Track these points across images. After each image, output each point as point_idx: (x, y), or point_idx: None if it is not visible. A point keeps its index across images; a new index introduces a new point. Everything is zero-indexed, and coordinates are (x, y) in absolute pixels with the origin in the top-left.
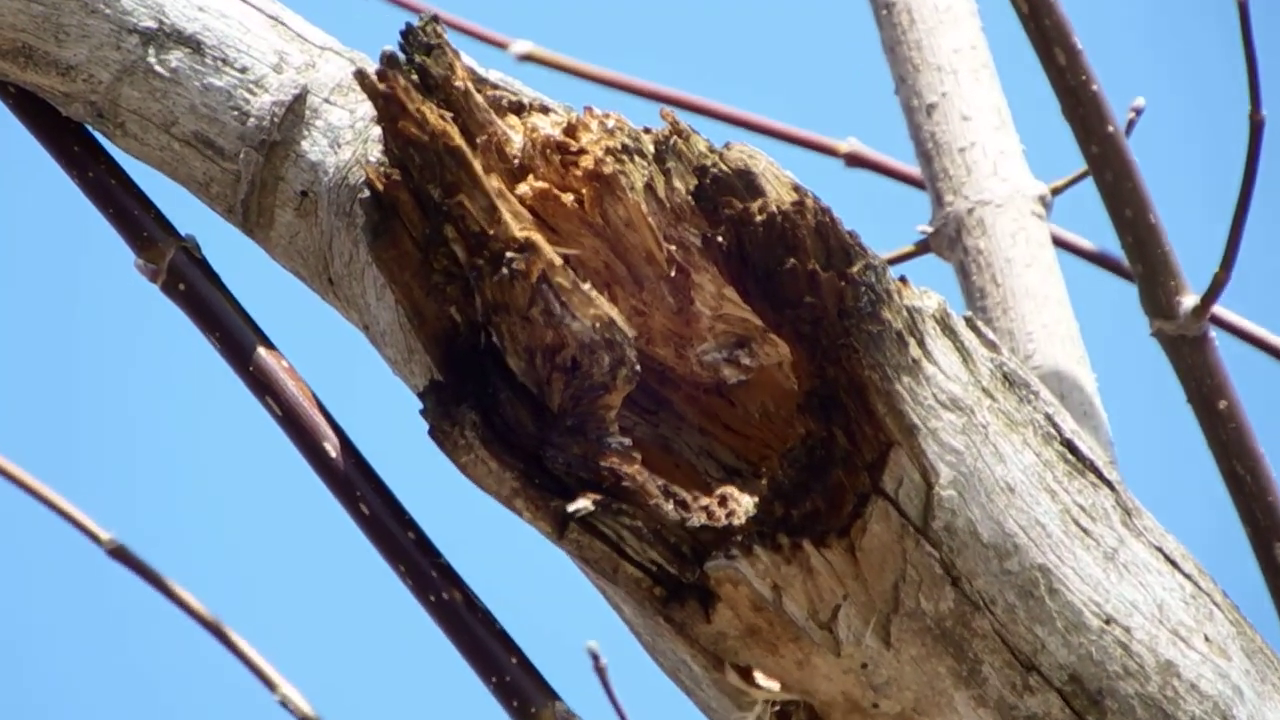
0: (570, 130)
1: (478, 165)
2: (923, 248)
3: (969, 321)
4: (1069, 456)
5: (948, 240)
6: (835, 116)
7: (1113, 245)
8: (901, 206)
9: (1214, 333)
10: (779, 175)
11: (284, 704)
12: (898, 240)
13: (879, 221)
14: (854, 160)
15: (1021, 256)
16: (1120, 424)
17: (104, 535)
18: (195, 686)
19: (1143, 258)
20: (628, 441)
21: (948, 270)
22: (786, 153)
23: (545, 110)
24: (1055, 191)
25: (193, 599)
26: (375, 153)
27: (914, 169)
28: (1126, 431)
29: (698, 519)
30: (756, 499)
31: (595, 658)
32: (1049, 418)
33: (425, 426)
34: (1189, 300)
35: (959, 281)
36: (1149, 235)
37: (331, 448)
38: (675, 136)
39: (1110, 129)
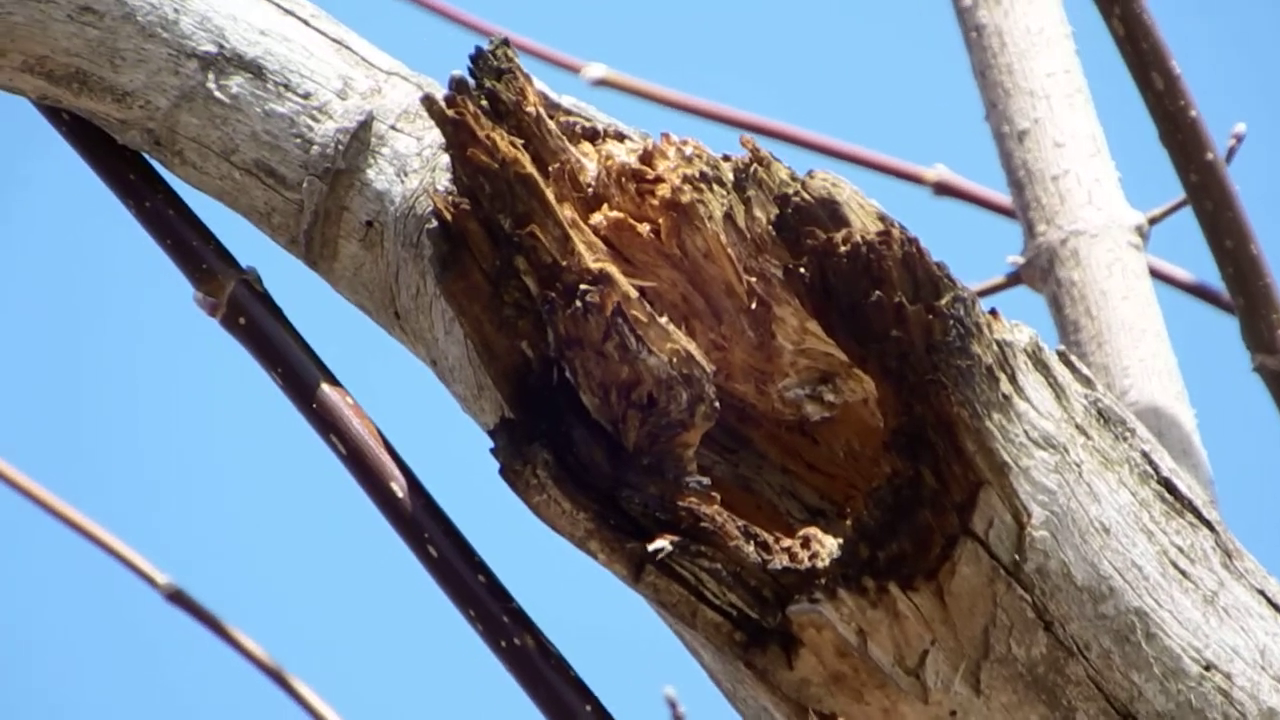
0: (646, 158)
1: (550, 194)
2: (1014, 279)
3: (1062, 356)
4: (1166, 496)
5: (1040, 271)
6: (923, 143)
7: (1212, 277)
8: (992, 236)
9: None
10: (864, 204)
11: None
12: (988, 272)
13: (968, 252)
14: (942, 189)
15: (1117, 288)
16: (1220, 463)
17: (161, 579)
18: None
19: (1244, 290)
20: (706, 481)
21: (1040, 303)
22: (872, 181)
23: (620, 137)
24: (1153, 221)
25: (253, 644)
26: (443, 181)
27: (1005, 198)
28: (1227, 470)
29: (779, 561)
30: (841, 540)
31: (673, 706)
32: (1146, 455)
33: (496, 466)
34: None
35: (1052, 314)
36: (1250, 266)
37: (399, 488)
38: (756, 164)
39: (1210, 156)
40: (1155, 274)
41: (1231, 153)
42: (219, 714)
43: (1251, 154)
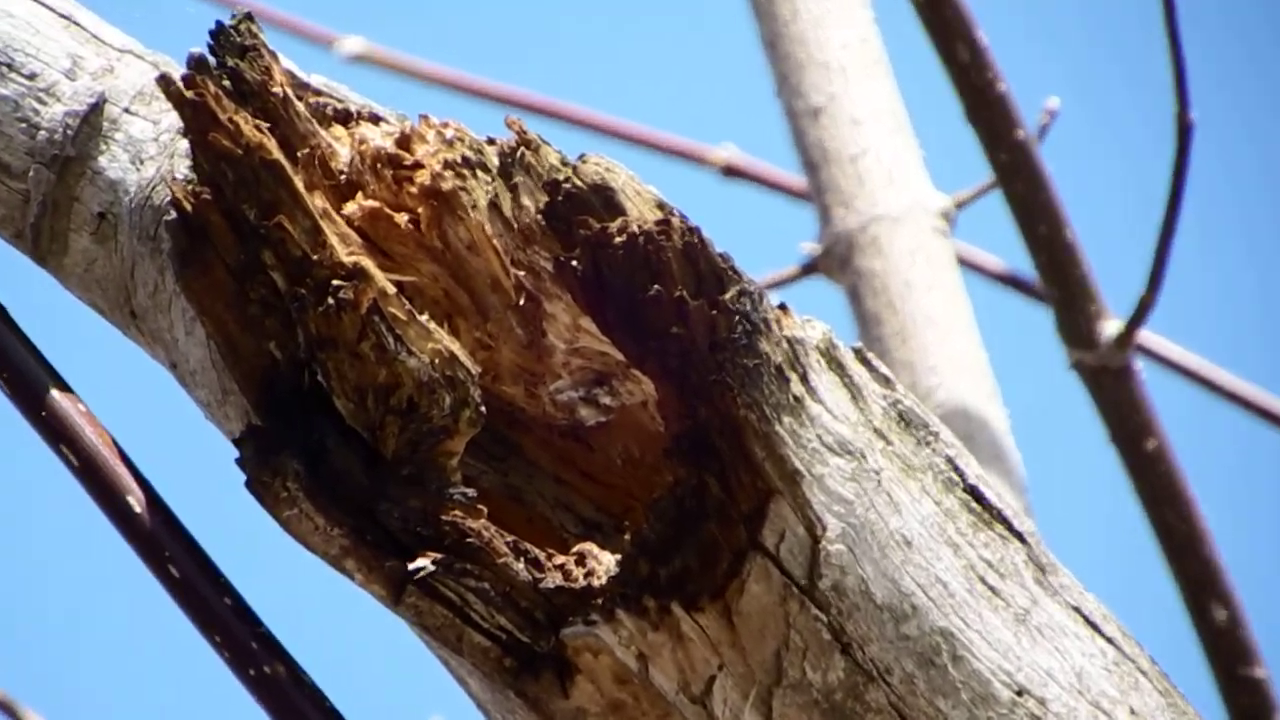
0: (404, 141)
1: (299, 182)
2: (809, 269)
3: (858, 354)
4: (974, 505)
5: (838, 261)
6: (709, 121)
7: (1025, 265)
8: (785, 223)
9: (1140, 363)
10: (641, 191)
11: None
12: (781, 261)
13: (759, 240)
14: (730, 171)
15: (922, 279)
16: (1035, 467)
17: None
18: None
19: (1059, 280)
20: (473, 493)
21: (838, 295)
22: (653, 164)
23: (375, 119)
24: (959, 205)
25: None
26: (183, 169)
27: (799, 180)
28: (1041, 475)
29: (552, 580)
30: (619, 557)
31: None
32: (951, 461)
33: (242, 478)
34: (1111, 327)
35: (851, 307)
36: (1065, 254)
37: (136, 502)
38: (523, 147)
39: (1020, 134)
40: (963, 262)
41: (1044, 130)
42: None
43: (1065, 132)
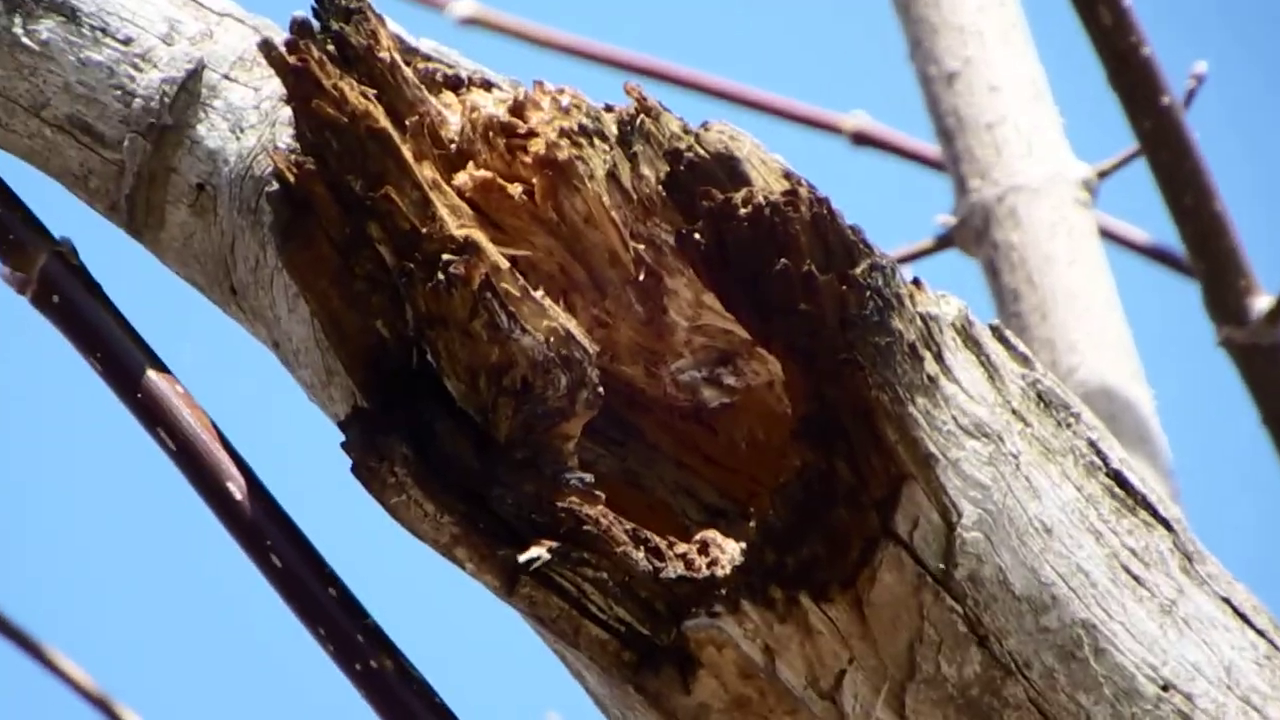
0: (517, 109)
1: (407, 151)
2: (943, 243)
3: (995, 331)
4: (1117, 490)
5: (973, 234)
6: (839, 88)
7: (1170, 238)
8: (918, 194)
9: None
10: (767, 160)
11: None
12: (914, 234)
13: (891, 212)
14: (861, 139)
15: (1062, 252)
16: (1182, 450)
17: None
18: None
19: (1205, 253)
20: (590, 478)
21: (973, 269)
22: (781, 132)
23: (487, 85)
24: (1101, 175)
25: (75, 668)
26: (285, 138)
27: (933, 149)
28: (1189, 459)
29: (674, 569)
30: (744, 545)
31: None
32: (1093, 444)
33: (348, 462)
34: (1262, 302)
35: (987, 282)
36: (1212, 226)
37: (236, 488)
38: (643, 115)
39: (1165, 101)
40: (1105, 235)
41: (1190, 96)
42: None
43: (1212, 98)
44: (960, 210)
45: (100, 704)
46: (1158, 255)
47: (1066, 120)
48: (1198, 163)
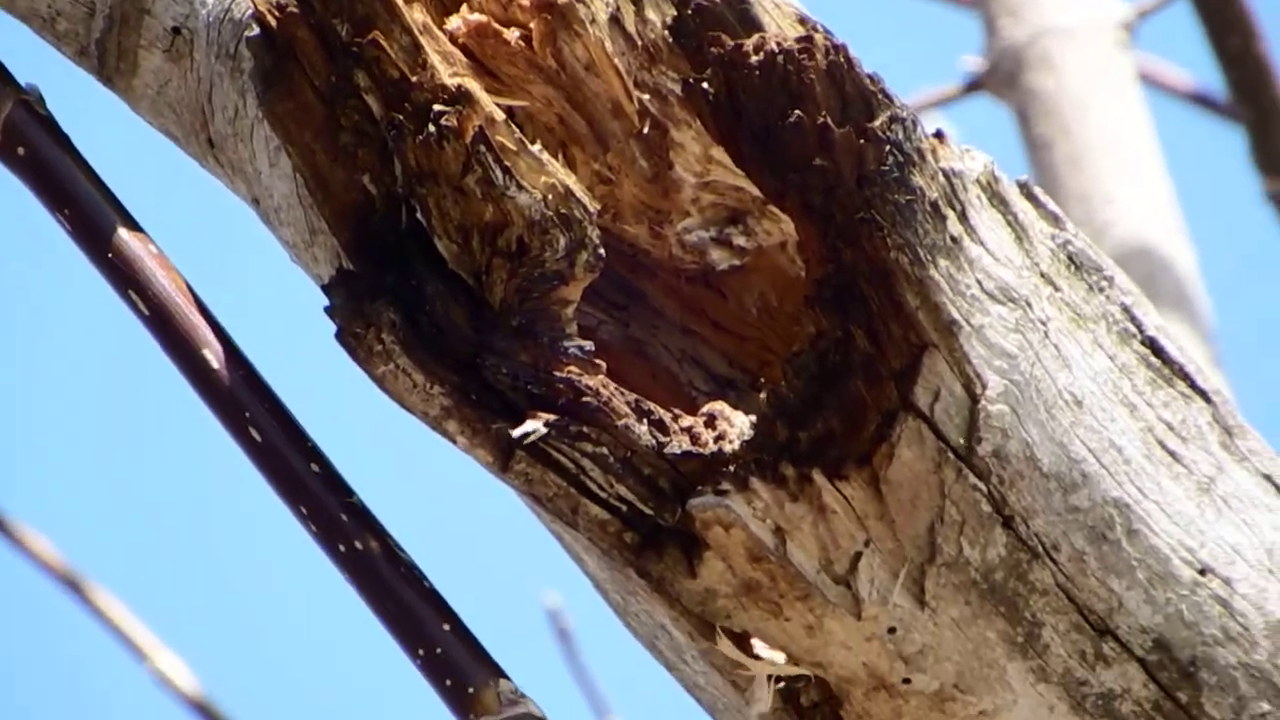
0: None
1: None
2: (971, 87)
3: (1024, 188)
4: (1153, 359)
5: (1004, 78)
6: None
7: (1215, 82)
8: (944, 34)
9: None
10: (780, 3)
11: (159, 678)
12: (939, 77)
13: (914, 54)
14: None
15: (1099, 99)
16: (1225, 312)
17: None
18: (45, 654)
19: (1252, 99)
20: (590, 345)
21: (1003, 116)
22: None
23: None
24: (1142, 14)
25: (43, 545)
26: None
27: None
28: (1233, 322)
29: (679, 444)
30: (754, 418)
31: (556, 618)
32: (1127, 309)
33: (332, 328)
34: None
35: (1019, 130)
36: (1259, 70)
37: (213, 356)
38: None
39: None
40: (1145, 79)
41: None
42: (3, 627)
43: None
44: (989, 52)
45: (69, 582)
46: (1201, 101)
47: None
48: (1244, 3)
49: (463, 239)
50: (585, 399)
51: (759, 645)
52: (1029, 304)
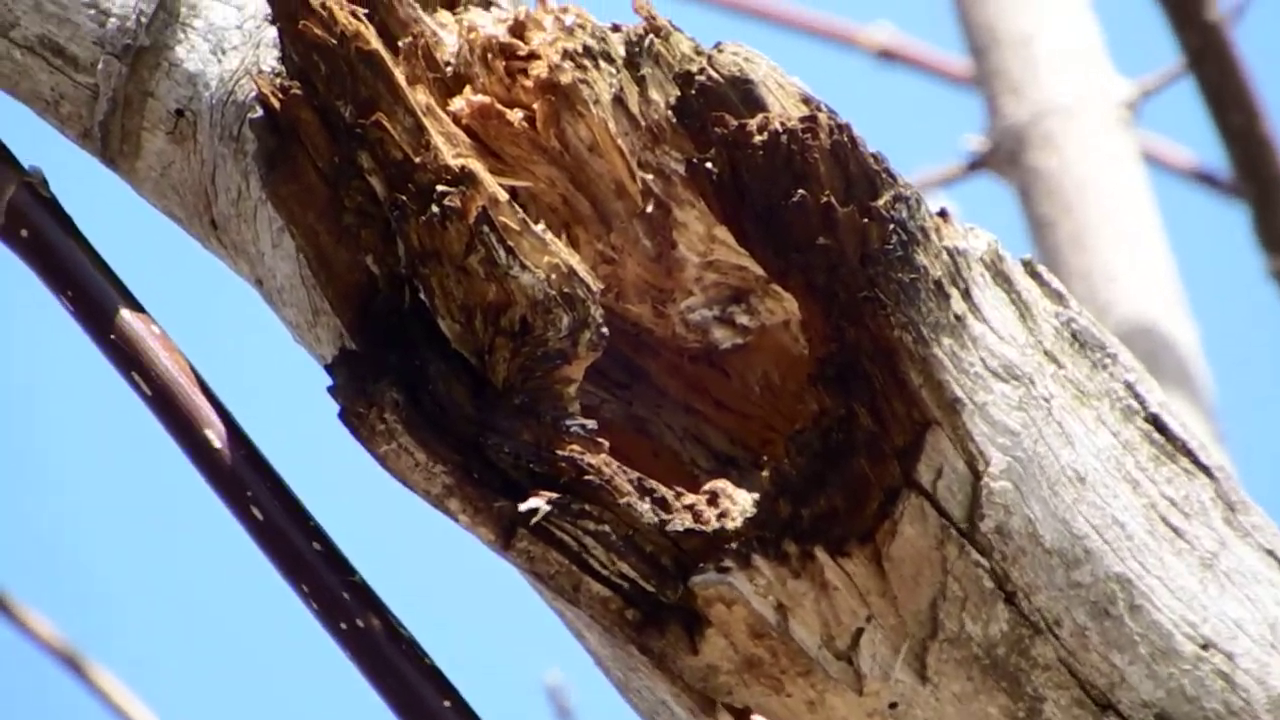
0: (518, 29)
1: (400, 75)
2: (974, 166)
3: (1028, 266)
4: (1156, 436)
5: (1006, 157)
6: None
7: (1218, 160)
8: (947, 114)
9: None
10: (784, 83)
11: None
12: (942, 157)
13: (918, 134)
14: (886, 55)
15: (1101, 177)
16: (1227, 390)
17: None
18: None
19: (1254, 176)
20: (592, 424)
21: (1006, 195)
22: (800, 48)
23: (487, 3)
24: (1145, 93)
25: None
26: (270, 60)
27: (963, 65)
28: (1235, 399)
29: (681, 522)
30: (756, 496)
31: (557, 696)
32: (1130, 387)
33: (334, 408)
34: None
35: (1021, 210)
36: (1261, 148)
37: (216, 436)
38: (651, 35)
39: (1212, 14)
40: (1148, 157)
41: (1239, 9)
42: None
43: (1263, 11)
44: (992, 132)
45: (69, 661)
46: (1204, 178)
47: (1107, 34)
48: (1247, 80)
49: (466, 319)
50: (588, 477)
51: None
52: (1032, 381)
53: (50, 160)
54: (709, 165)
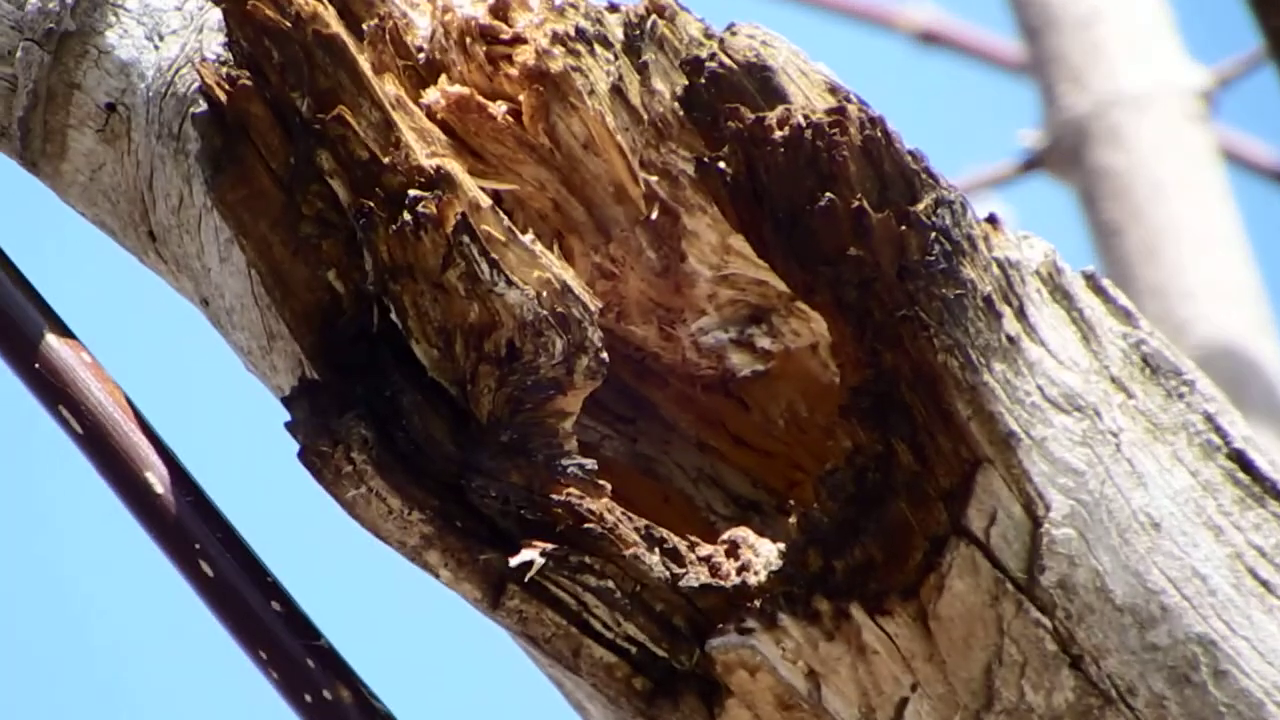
0: (501, 9)
1: (364, 63)
2: (1029, 166)
3: (1090, 280)
4: (1240, 475)
5: (1066, 155)
6: None
7: None
8: (997, 105)
9: None
10: (807, 70)
11: None
12: (992, 154)
13: (964, 127)
14: (929, 38)
15: (1174, 177)
16: None
17: None
18: None
19: None
20: (592, 464)
21: (1066, 199)
22: (829, 32)
23: None
24: (1222, 82)
25: None
26: (215, 46)
27: (1016, 49)
28: None
29: (696, 576)
30: (782, 546)
31: None
32: (1210, 418)
33: (294, 446)
34: None
35: (1084, 215)
36: None
37: (157, 479)
38: (655, 16)
39: None
40: (1226, 155)
41: None
42: None
43: None
44: (1049, 126)
45: None
46: None
47: (1178, 15)
48: None
49: (444, 342)
50: (587, 525)
51: None
52: (1098, 413)
53: None
54: (722, 165)
